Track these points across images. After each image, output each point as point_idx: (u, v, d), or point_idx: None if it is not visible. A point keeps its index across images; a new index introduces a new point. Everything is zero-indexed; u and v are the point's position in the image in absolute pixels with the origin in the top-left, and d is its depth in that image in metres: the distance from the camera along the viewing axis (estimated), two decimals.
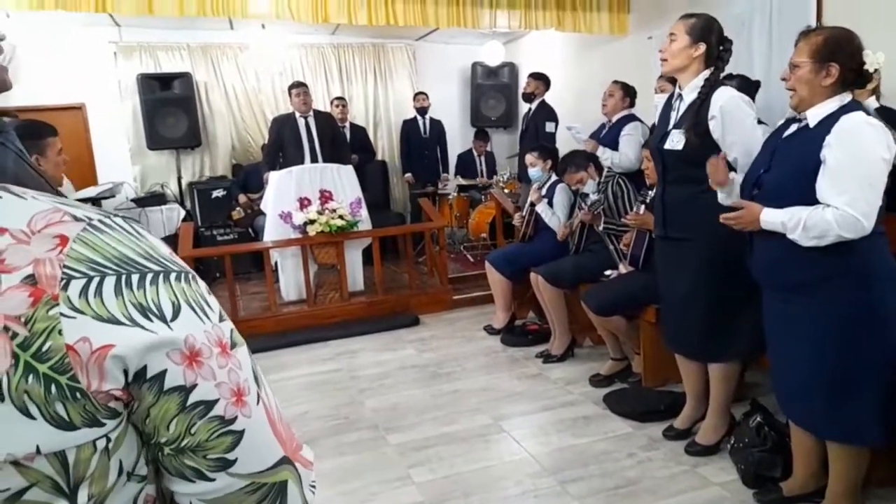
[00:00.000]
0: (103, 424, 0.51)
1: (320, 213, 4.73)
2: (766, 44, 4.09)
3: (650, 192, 3.06)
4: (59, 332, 0.48)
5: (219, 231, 6.10)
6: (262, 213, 5.30)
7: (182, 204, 6.46)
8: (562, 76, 6.18)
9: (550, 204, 4.15)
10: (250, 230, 6.08)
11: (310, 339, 4.50)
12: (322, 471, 2.77)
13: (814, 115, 1.95)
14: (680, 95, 2.52)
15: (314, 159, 5.27)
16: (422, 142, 6.94)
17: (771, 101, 3.67)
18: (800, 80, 1.95)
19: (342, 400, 3.51)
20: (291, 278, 5.03)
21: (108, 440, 0.52)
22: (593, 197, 3.71)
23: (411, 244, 5.40)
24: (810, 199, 1.90)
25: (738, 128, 2.35)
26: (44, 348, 0.47)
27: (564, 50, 6.56)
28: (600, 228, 3.65)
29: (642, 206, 3.19)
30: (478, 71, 7.45)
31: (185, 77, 6.35)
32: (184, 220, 5.99)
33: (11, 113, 4.74)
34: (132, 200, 6.10)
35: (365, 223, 5.04)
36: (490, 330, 4.47)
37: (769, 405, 2.52)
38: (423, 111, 6.91)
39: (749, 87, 3.63)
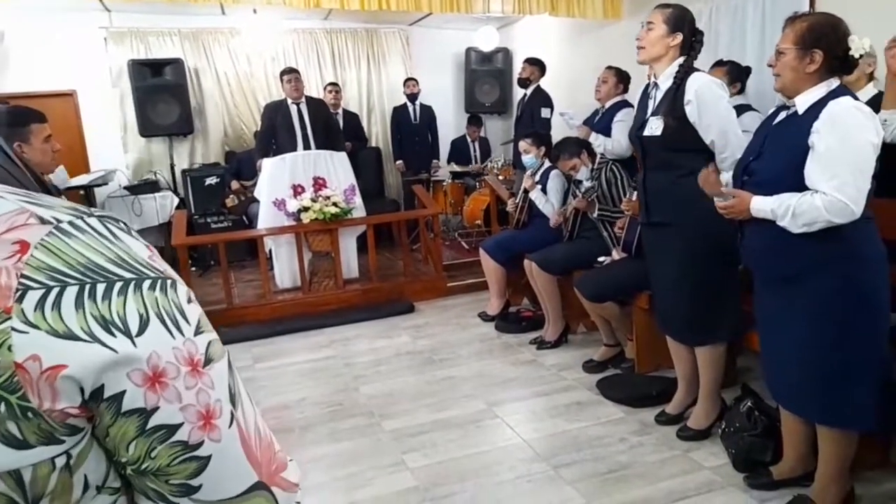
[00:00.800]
0: (62, 441, 0.48)
1: (314, 200, 4.72)
2: (758, 30, 4.08)
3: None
4: (9, 349, 0.44)
5: (213, 219, 6.08)
6: (256, 201, 5.28)
7: (175, 191, 6.42)
8: (556, 61, 6.15)
9: (544, 190, 4.16)
10: (244, 218, 6.07)
11: (305, 326, 4.51)
12: (317, 457, 2.79)
13: (802, 102, 1.96)
14: (655, 84, 2.58)
15: (307, 146, 5.24)
16: (412, 128, 6.90)
17: (764, 87, 3.67)
18: (784, 66, 1.96)
19: (337, 387, 3.53)
20: (286, 266, 5.03)
21: (69, 456, 0.49)
22: (587, 184, 3.71)
23: (406, 231, 5.40)
24: (801, 186, 1.91)
25: (713, 110, 2.42)
26: None
27: (558, 35, 6.52)
28: (594, 215, 3.65)
29: (635, 193, 3.19)
30: (472, 56, 7.41)
31: (177, 63, 6.29)
32: (177, 207, 5.96)
33: (1, 100, 4.70)
34: (125, 188, 6.07)
35: (359, 210, 5.03)
36: (484, 317, 4.49)
37: (760, 390, 2.54)
38: (413, 97, 6.87)
39: (739, 72, 3.64)
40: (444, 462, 2.68)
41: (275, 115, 5.32)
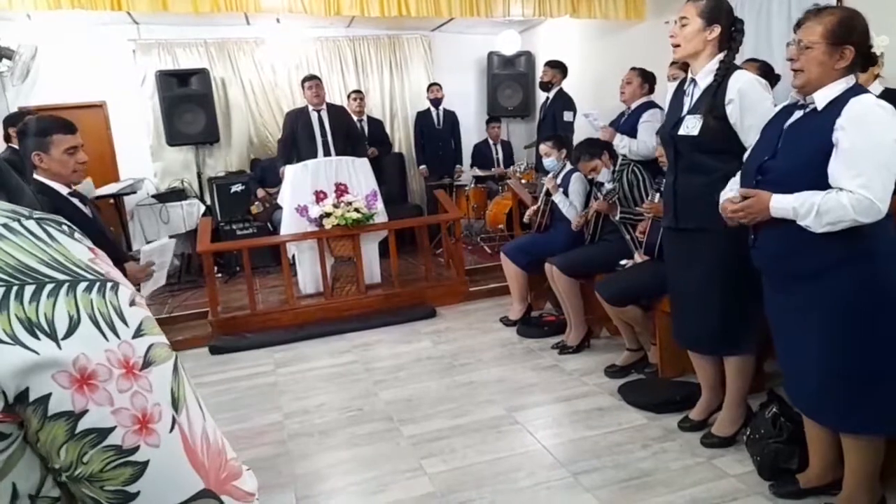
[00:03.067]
0: None
1: (336, 206, 4.75)
2: (785, 26, 3.99)
3: (665, 180, 3.01)
4: None
5: (238, 225, 6.17)
6: (281, 208, 5.34)
7: (202, 199, 6.53)
8: (579, 64, 6.10)
9: (566, 193, 4.12)
10: (269, 224, 6.14)
11: (327, 331, 4.53)
12: (336, 462, 2.80)
13: (822, 98, 1.90)
14: (693, 80, 2.46)
15: (327, 153, 5.29)
16: (436, 133, 6.92)
17: (790, 87, 3.57)
18: (811, 61, 1.88)
19: (357, 392, 3.53)
20: (308, 271, 5.06)
21: None
22: (608, 186, 3.66)
23: (427, 236, 5.40)
24: (821, 183, 1.85)
25: (757, 111, 2.28)
26: None
27: (581, 37, 6.48)
28: (616, 218, 3.60)
29: (657, 195, 3.14)
30: (494, 60, 7.40)
31: (203, 73, 6.40)
32: (203, 214, 6.06)
33: (32, 111, 4.83)
34: (153, 196, 6.19)
35: (381, 215, 5.05)
36: (506, 321, 4.46)
37: (785, 395, 2.47)
38: (436, 102, 6.88)
39: (769, 73, 3.54)
40: (462, 468, 2.65)
41: (296, 122, 5.38)
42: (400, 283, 5.05)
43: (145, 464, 0.50)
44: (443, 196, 5.64)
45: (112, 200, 5.53)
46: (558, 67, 5.36)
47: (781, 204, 1.90)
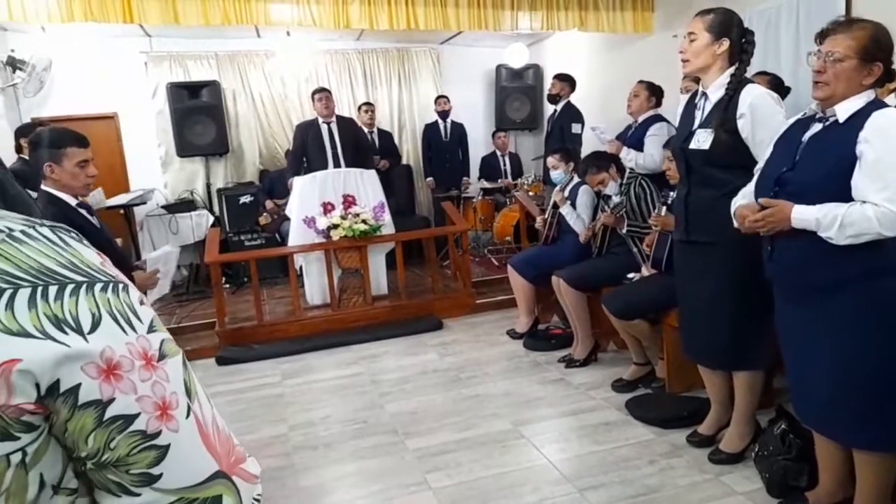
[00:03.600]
0: (17, 438, 0.49)
1: (343, 217, 4.76)
2: (793, 40, 3.98)
3: (672, 193, 2.99)
4: None
5: (246, 236, 6.20)
6: (289, 219, 5.36)
7: (211, 210, 6.57)
8: (587, 77, 6.11)
9: (573, 206, 4.11)
10: (277, 235, 6.15)
11: (333, 343, 4.53)
12: (340, 475, 2.78)
13: (843, 111, 1.87)
14: (704, 94, 2.45)
15: (337, 164, 5.31)
16: (443, 145, 6.92)
17: (799, 100, 3.56)
18: (840, 74, 1.85)
19: (363, 404, 3.52)
20: (316, 283, 5.07)
21: (25, 454, 0.50)
22: (615, 199, 3.65)
23: (434, 248, 5.40)
24: (844, 195, 1.82)
25: (769, 125, 2.26)
26: None
27: (589, 50, 6.49)
28: (623, 231, 3.59)
29: (663, 208, 3.13)
30: (502, 73, 7.42)
31: (213, 85, 6.46)
32: (212, 225, 6.09)
33: (44, 123, 4.88)
34: (162, 207, 6.23)
35: (388, 227, 5.05)
36: (513, 334, 4.44)
37: (794, 412, 2.44)
38: (444, 114, 6.90)
39: (780, 87, 3.53)
40: (467, 482, 2.63)
41: (306, 133, 5.41)
42: (407, 294, 5.05)
43: (167, 447, 0.54)
44: (450, 208, 5.64)
45: (122, 211, 5.56)
46: (566, 80, 5.37)
47: (804, 215, 1.87)
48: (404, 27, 4.75)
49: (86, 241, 0.57)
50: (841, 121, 1.88)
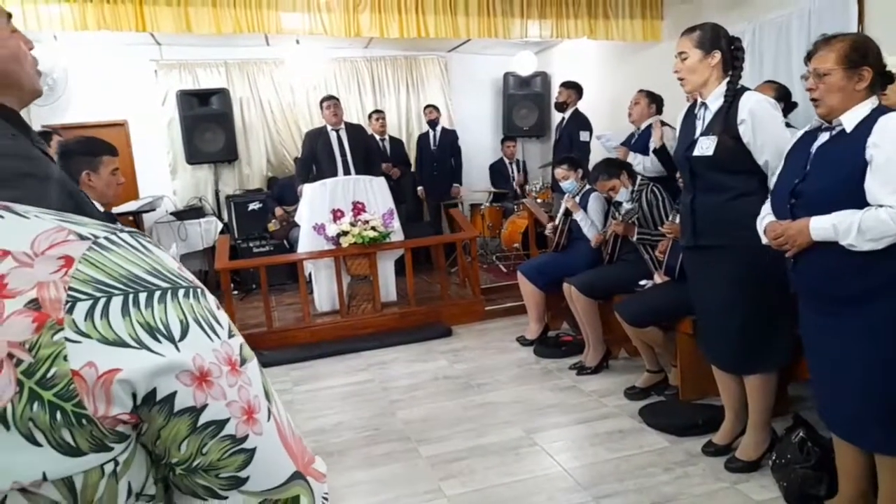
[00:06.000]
0: (111, 449, 0.50)
1: (353, 224, 4.77)
2: (804, 49, 3.96)
3: (682, 200, 2.99)
4: (65, 358, 0.47)
5: (255, 243, 6.21)
6: (297, 226, 5.37)
7: (219, 217, 6.59)
8: (595, 84, 6.13)
9: (586, 212, 4.11)
10: (286, 242, 6.17)
11: (343, 349, 4.52)
12: (353, 482, 2.77)
13: (850, 119, 1.90)
14: (704, 104, 2.50)
15: (346, 171, 5.32)
16: (431, 154, 6.90)
17: (810, 109, 3.54)
18: (831, 87, 1.90)
19: (374, 411, 3.51)
20: (325, 289, 5.07)
21: (117, 464, 0.51)
22: (627, 206, 3.65)
23: (443, 255, 5.40)
24: (858, 202, 1.83)
25: (768, 129, 2.34)
26: (48, 375, 0.46)
27: (596, 58, 6.51)
28: (634, 238, 3.58)
29: (678, 216, 3.12)
30: (510, 81, 7.44)
31: (223, 93, 6.50)
32: (221, 232, 6.11)
33: (55, 130, 4.91)
34: (171, 213, 6.25)
35: (397, 234, 5.06)
36: (523, 341, 4.43)
37: (812, 420, 2.42)
38: (432, 123, 6.88)
39: (786, 95, 3.52)
40: (481, 490, 2.62)
41: (316, 141, 5.42)
42: (416, 301, 5.05)
43: (253, 450, 0.55)
44: (458, 215, 5.64)
45: (132, 217, 5.59)
46: (574, 88, 5.38)
47: (820, 224, 1.89)
48: (415, 35, 4.78)
49: (162, 246, 0.57)
50: (848, 130, 1.90)
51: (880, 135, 1.81)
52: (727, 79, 2.43)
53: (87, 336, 0.48)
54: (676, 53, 2.47)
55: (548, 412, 3.35)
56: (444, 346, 4.55)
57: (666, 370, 3.45)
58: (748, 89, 2.45)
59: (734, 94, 2.39)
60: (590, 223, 4.06)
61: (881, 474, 1.97)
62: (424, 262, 6.24)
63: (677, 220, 3.12)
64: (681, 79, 2.48)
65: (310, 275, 5.17)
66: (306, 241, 4.96)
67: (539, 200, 5.95)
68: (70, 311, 0.48)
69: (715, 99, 2.44)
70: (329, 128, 5.41)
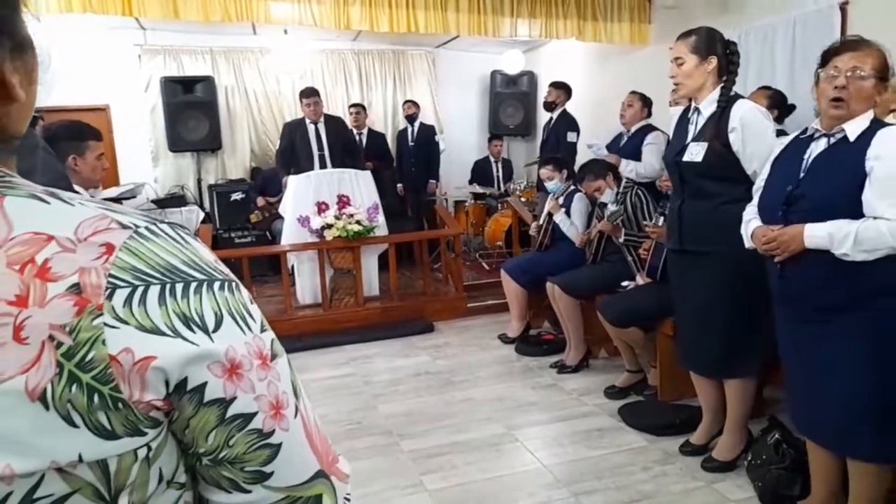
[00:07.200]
0: (144, 434, 0.51)
1: (338, 217, 4.75)
2: (788, 57, 4.06)
3: (670, 204, 3.03)
4: (103, 343, 0.48)
5: (237, 234, 6.15)
6: (280, 217, 5.34)
7: (201, 206, 6.52)
8: (581, 85, 6.16)
9: (568, 213, 4.14)
10: (268, 233, 6.12)
11: (325, 343, 4.51)
12: None
13: (853, 129, 1.90)
14: (697, 109, 2.52)
15: (323, 165, 5.32)
16: (409, 150, 6.89)
17: (796, 114, 3.61)
18: (862, 90, 1.87)
19: (356, 405, 3.51)
20: (307, 282, 5.05)
21: (149, 449, 0.52)
22: (612, 207, 3.69)
23: (427, 251, 5.40)
24: (855, 212, 1.85)
25: (758, 139, 2.35)
26: (87, 358, 0.48)
27: (585, 59, 6.55)
28: (621, 240, 3.62)
29: (661, 219, 3.17)
30: (497, 79, 7.46)
31: (208, 80, 6.42)
32: (203, 221, 6.04)
33: (39, 114, 4.81)
34: (152, 201, 6.17)
35: (381, 229, 5.05)
36: (504, 339, 4.46)
37: (787, 422, 2.48)
38: (411, 119, 6.87)
39: (782, 101, 3.56)
40: (463, 485, 2.64)
41: (294, 133, 5.40)
42: (398, 296, 5.05)
43: (279, 446, 0.56)
44: (442, 211, 5.66)
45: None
46: (563, 88, 5.41)
47: (815, 231, 1.90)
48: (405, 30, 4.77)
49: (199, 239, 0.58)
50: (851, 139, 1.90)
51: (882, 148, 1.82)
52: (722, 84, 2.44)
53: (125, 322, 0.49)
54: (672, 58, 2.47)
55: (528, 409, 3.38)
56: (425, 342, 4.56)
57: (645, 370, 3.50)
58: (742, 97, 2.47)
59: (727, 101, 2.40)
60: (569, 224, 4.10)
61: (852, 478, 2.02)
62: (407, 258, 6.23)
63: (660, 223, 3.17)
64: (676, 84, 2.49)
65: (292, 267, 5.14)
66: (290, 233, 4.93)
67: (523, 199, 5.97)
68: (109, 297, 0.49)
69: (708, 105, 2.46)
70: (307, 121, 5.38)
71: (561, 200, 4.22)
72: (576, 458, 2.83)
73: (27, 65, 0.56)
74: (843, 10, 3.72)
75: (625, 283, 3.56)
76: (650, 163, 3.90)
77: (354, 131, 6.45)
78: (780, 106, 3.53)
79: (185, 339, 0.50)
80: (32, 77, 0.57)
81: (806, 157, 2.00)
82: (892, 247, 1.80)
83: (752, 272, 2.32)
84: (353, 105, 6.67)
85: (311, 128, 5.38)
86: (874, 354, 1.90)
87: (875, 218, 1.82)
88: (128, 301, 0.49)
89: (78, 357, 0.47)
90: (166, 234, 0.54)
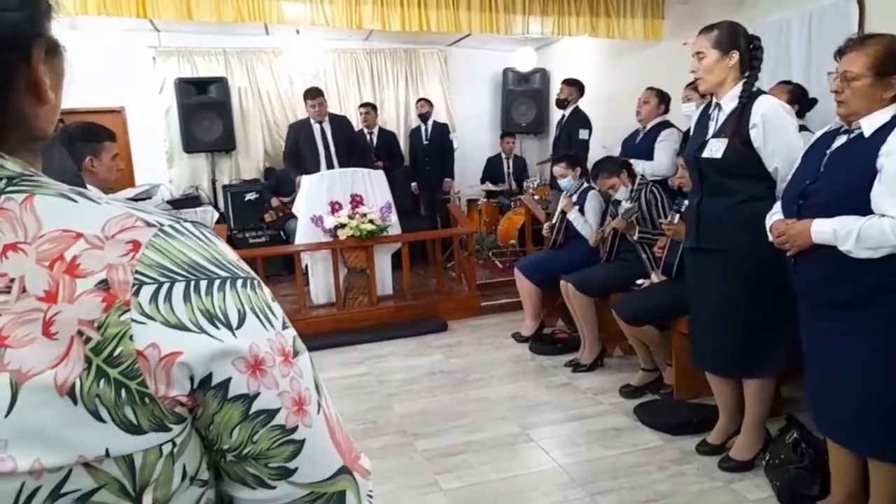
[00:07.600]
0: (169, 429, 0.52)
1: (351, 217, 4.77)
2: (804, 52, 4.00)
3: (685, 202, 3.01)
4: (130, 338, 0.49)
5: (251, 233, 6.19)
6: (294, 217, 5.36)
7: (216, 206, 6.56)
8: (594, 82, 6.13)
9: (582, 210, 4.12)
10: (282, 233, 6.15)
11: (339, 342, 4.53)
12: None
13: (869, 125, 1.88)
14: (718, 105, 2.48)
15: (329, 164, 5.33)
16: (423, 149, 6.89)
17: (813, 112, 3.56)
18: (856, 91, 1.86)
19: (370, 404, 3.52)
20: (321, 281, 5.07)
21: (174, 445, 0.52)
22: (626, 205, 3.66)
23: (440, 249, 5.40)
24: (866, 209, 1.83)
25: (780, 136, 2.30)
26: (115, 353, 0.48)
27: (597, 56, 6.51)
28: (635, 238, 3.60)
29: (676, 216, 3.14)
30: (509, 77, 7.44)
31: (221, 81, 6.46)
32: (217, 222, 6.08)
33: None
34: (167, 202, 6.22)
35: (394, 228, 5.06)
36: (518, 337, 4.45)
37: (806, 421, 2.45)
38: (424, 117, 6.86)
39: (803, 96, 3.50)
40: (478, 484, 2.64)
41: (299, 134, 5.42)
42: (412, 295, 5.05)
43: (302, 442, 0.56)
44: (455, 210, 5.65)
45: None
46: (575, 85, 5.38)
47: (822, 227, 1.89)
48: (416, 28, 4.77)
49: (221, 237, 0.58)
50: (867, 135, 1.88)
51: (894, 145, 1.79)
52: (744, 80, 2.39)
53: (152, 318, 0.50)
54: (693, 53, 2.43)
55: (543, 409, 3.37)
56: (439, 341, 4.56)
57: (661, 369, 3.48)
58: (764, 92, 2.42)
59: (749, 97, 2.36)
60: (583, 222, 4.08)
61: (874, 478, 2.00)
62: (420, 257, 6.24)
63: (676, 220, 3.14)
64: (697, 79, 2.46)
65: (306, 266, 5.16)
66: (304, 233, 4.95)
67: (536, 197, 5.95)
68: (136, 293, 0.50)
69: (730, 100, 2.41)
70: (312, 120, 5.40)
71: (574, 198, 4.20)
72: (591, 457, 2.82)
73: (57, 68, 0.57)
74: (860, 2, 3.66)
75: (639, 281, 3.53)
76: (661, 160, 3.88)
77: (365, 130, 6.46)
78: (801, 101, 3.46)
79: (209, 335, 0.51)
80: (61, 81, 0.58)
81: (828, 152, 1.98)
82: (895, 246, 1.77)
83: (770, 271, 2.29)
84: (363, 105, 6.68)
85: (316, 128, 5.40)
86: (886, 352, 1.88)
87: (881, 216, 1.79)
88: (154, 297, 0.50)
89: (106, 352, 0.48)
90: (190, 232, 0.55)
